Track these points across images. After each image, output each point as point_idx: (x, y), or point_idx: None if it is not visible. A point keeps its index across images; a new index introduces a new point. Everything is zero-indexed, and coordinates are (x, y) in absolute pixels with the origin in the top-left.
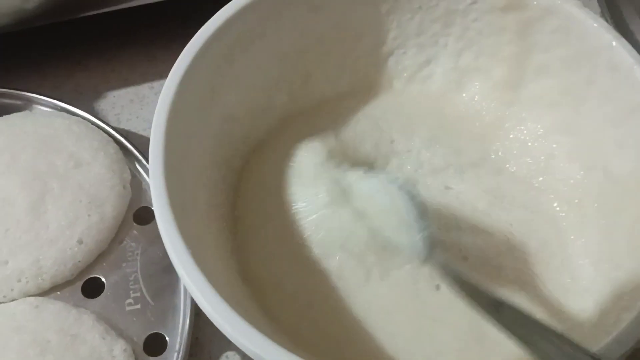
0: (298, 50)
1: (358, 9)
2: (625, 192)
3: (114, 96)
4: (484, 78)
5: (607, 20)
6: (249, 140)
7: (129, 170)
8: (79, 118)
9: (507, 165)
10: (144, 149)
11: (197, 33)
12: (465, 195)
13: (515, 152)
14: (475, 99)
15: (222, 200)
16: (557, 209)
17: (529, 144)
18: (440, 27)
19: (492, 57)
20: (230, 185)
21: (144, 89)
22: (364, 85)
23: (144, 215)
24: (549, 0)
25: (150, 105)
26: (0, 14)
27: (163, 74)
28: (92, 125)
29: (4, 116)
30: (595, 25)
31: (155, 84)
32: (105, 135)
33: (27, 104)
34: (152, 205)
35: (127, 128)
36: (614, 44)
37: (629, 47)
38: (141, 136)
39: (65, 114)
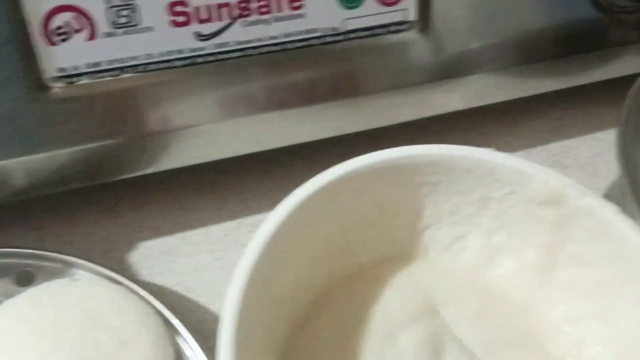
0: (340, 230)
1: (399, 191)
2: None
3: (145, 247)
4: (517, 258)
5: None
6: (291, 319)
7: (172, 347)
8: (121, 287)
9: (542, 348)
10: (176, 306)
11: (258, 233)
12: None
13: (548, 334)
14: (507, 276)
15: None
16: None
17: (561, 327)
18: (475, 209)
19: (526, 241)
20: None
21: (175, 239)
22: (400, 254)
23: None
24: (587, 203)
25: (181, 257)
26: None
27: (194, 224)
28: (133, 295)
29: (45, 284)
30: (633, 233)
31: (187, 234)
32: (147, 306)
33: (65, 267)
34: None
35: (158, 283)
36: None
37: None
38: (173, 292)
39: (107, 282)
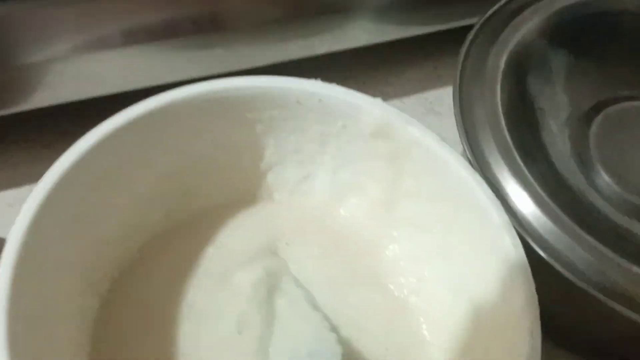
0: (176, 170)
1: (235, 129)
2: (483, 323)
3: None
4: (361, 195)
5: (469, 158)
6: (122, 261)
7: None
8: None
9: (383, 284)
10: None
11: (65, 154)
12: (340, 316)
13: (390, 270)
14: (353, 214)
15: (88, 336)
16: (426, 332)
17: (402, 263)
18: (317, 147)
19: (367, 177)
20: (98, 316)
21: (24, 191)
22: (244, 197)
23: None
24: (411, 134)
25: None
26: None
27: None
28: None
29: None
30: (454, 162)
31: None
32: None
33: None
34: None
35: (2, 235)
36: (471, 183)
37: (486, 187)
38: None
39: None
